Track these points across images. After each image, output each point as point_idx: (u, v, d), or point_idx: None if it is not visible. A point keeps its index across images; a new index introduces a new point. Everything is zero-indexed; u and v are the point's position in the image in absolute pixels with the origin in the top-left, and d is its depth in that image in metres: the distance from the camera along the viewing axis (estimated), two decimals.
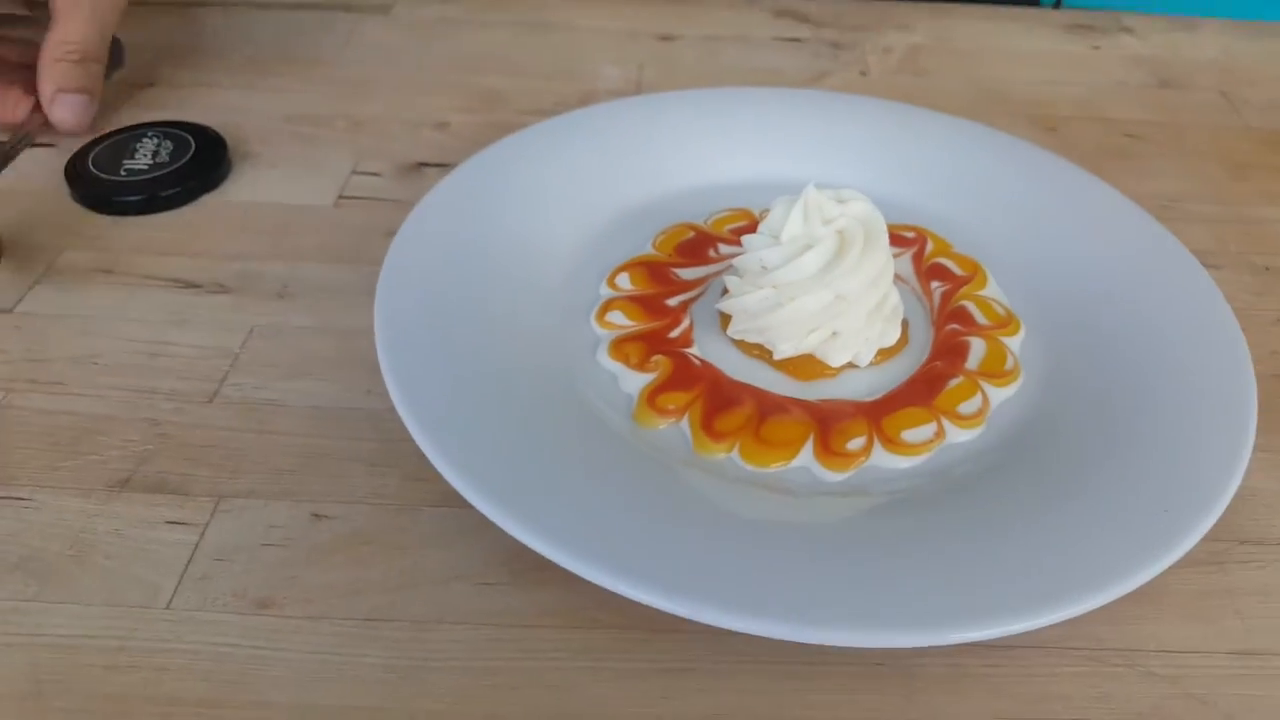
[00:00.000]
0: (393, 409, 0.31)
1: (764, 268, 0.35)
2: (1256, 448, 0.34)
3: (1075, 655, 0.28)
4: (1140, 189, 0.46)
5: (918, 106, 0.49)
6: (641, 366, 0.35)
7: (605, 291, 0.39)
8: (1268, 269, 0.43)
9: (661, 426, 0.33)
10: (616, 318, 0.37)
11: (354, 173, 0.47)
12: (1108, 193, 0.43)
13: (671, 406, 0.34)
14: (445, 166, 0.46)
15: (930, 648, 0.27)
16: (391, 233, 0.38)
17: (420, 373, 0.32)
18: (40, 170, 0.45)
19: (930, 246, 0.41)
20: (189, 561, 0.29)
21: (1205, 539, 0.30)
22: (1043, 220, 0.42)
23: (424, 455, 0.29)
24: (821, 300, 0.34)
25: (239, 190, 0.45)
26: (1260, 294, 0.42)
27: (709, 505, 0.31)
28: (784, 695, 0.27)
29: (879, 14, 0.62)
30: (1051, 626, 0.27)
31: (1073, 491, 0.30)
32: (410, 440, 0.30)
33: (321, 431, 0.34)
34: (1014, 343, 0.37)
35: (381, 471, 0.33)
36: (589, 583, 0.27)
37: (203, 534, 0.30)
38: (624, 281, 0.39)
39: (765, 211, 0.37)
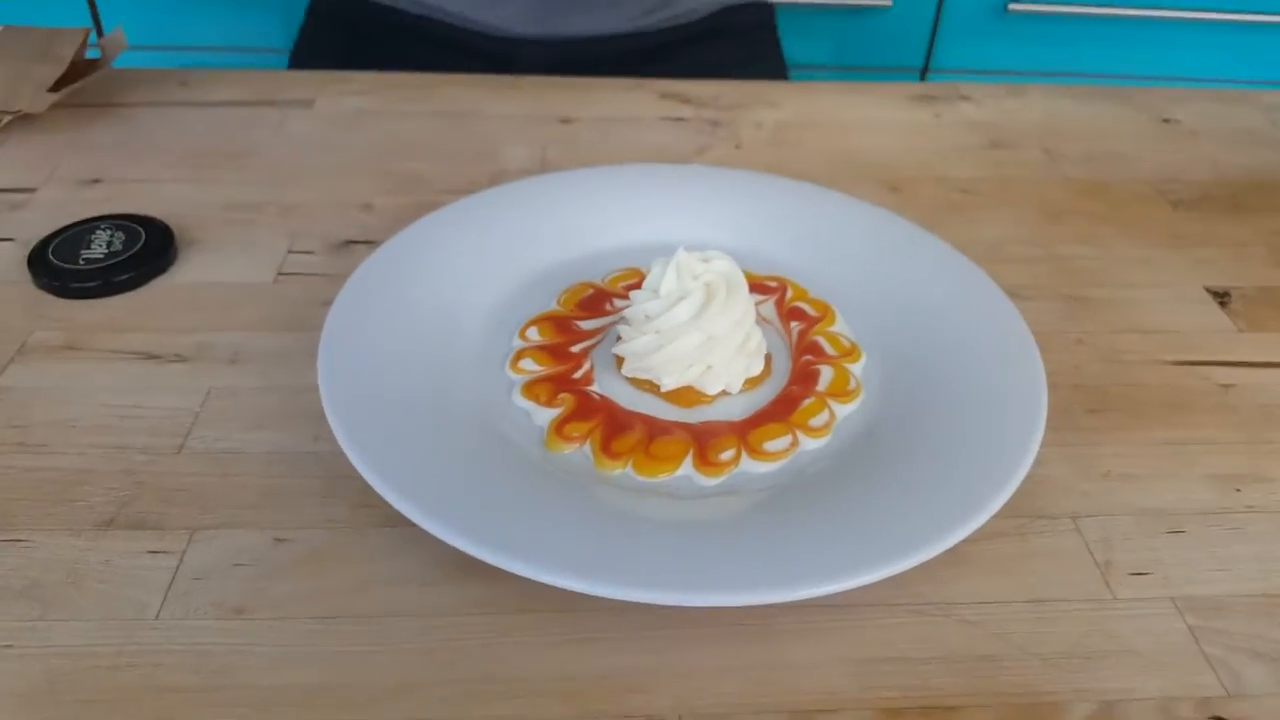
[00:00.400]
0: (338, 452, 0.37)
1: (647, 317, 0.42)
2: (1053, 442, 0.42)
3: (902, 610, 0.36)
4: (969, 236, 0.56)
5: (780, 176, 0.57)
6: (550, 403, 0.42)
7: (517, 343, 0.46)
8: (1073, 298, 0.52)
9: (568, 451, 0.40)
10: (528, 365, 0.44)
11: (290, 252, 0.53)
12: (935, 242, 0.51)
13: (576, 434, 0.40)
14: (372, 243, 0.53)
15: (784, 605, 0.34)
16: (327, 303, 0.45)
17: (361, 418, 0.38)
18: (3, 261, 0.50)
19: (790, 293, 0.49)
20: (171, 581, 0.35)
21: (1007, 515, 0.38)
22: (880, 267, 0.50)
23: (368, 487, 0.36)
24: (695, 341, 0.42)
25: (187, 273, 0.51)
26: (1066, 319, 0.51)
27: (608, 509, 0.37)
28: (671, 652, 0.34)
29: (751, 94, 0.71)
30: (882, 586, 0.34)
31: (898, 480, 0.38)
32: (355, 477, 0.36)
33: (277, 473, 0.40)
34: (856, 368, 0.45)
35: (332, 502, 0.39)
36: (512, 576, 0.33)
37: (181, 559, 0.36)
38: (533, 334, 0.46)
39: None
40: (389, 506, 0.35)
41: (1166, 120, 0.72)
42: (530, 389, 0.43)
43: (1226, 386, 0.47)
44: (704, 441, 0.40)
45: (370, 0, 0.83)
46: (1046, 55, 1.25)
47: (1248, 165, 0.66)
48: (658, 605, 0.33)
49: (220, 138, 0.63)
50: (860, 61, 1.26)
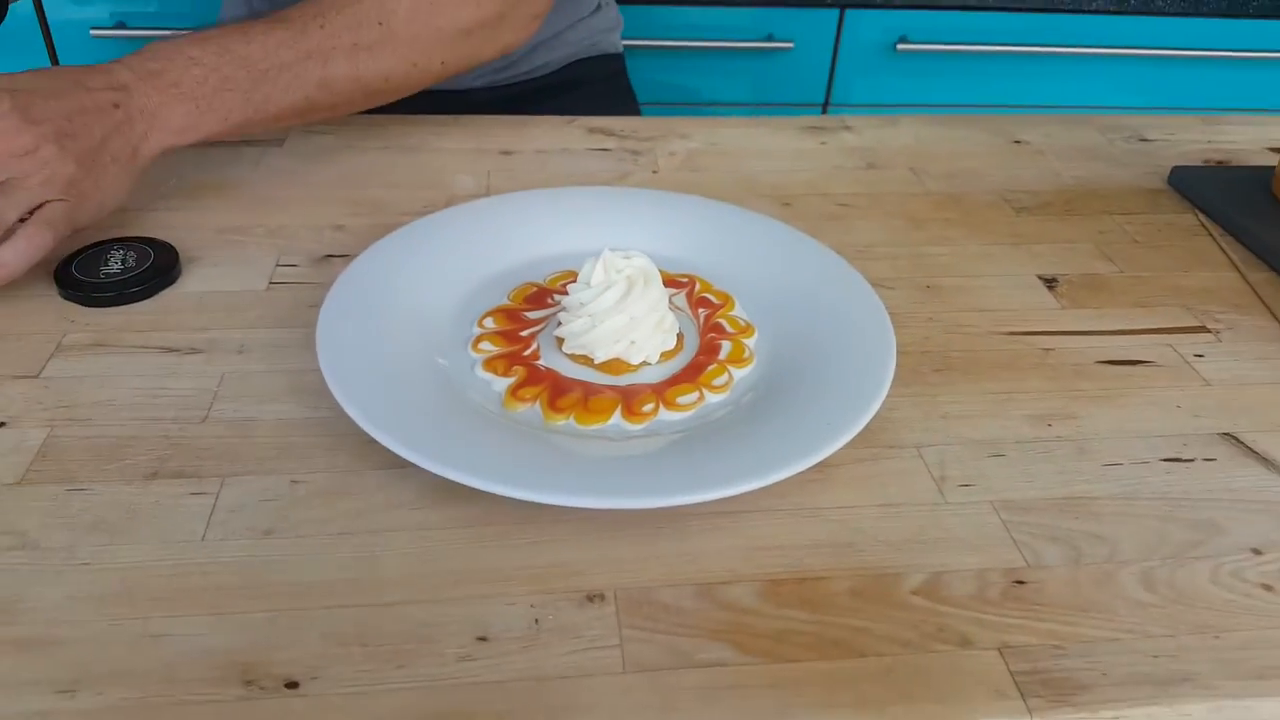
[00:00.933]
0: (339, 416, 0.47)
1: (581, 304, 0.53)
2: (903, 394, 0.54)
3: (782, 514, 0.46)
4: (845, 240, 0.67)
5: (691, 195, 0.68)
6: (506, 374, 0.52)
7: (476, 330, 0.56)
8: (928, 286, 0.64)
9: (521, 409, 0.50)
10: (486, 346, 0.54)
11: (278, 265, 0.63)
12: (815, 244, 0.63)
13: (528, 396, 0.51)
14: (348, 256, 0.63)
15: (692, 507, 0.44)
16: (315, 305, 0.55)
17: (356, 386, 0.48)
18: (34, 277, 0.59)
19: (698, 286, 0.60)
20: (211, 513, 0.44)
21: (865, 444, 0.49)
22: (770, 263, 0.62)
23: (364, 440, 0.46)
24: (620, 321, 0.53)
25: (192, 284, 0.61)
26: (921, 303, 0.63)
27: (556, 448, 0.48)
28: (607, 547, 0.44)
29: (666, 127, 0.83)
30: (767, 494, 0.45)
31: (779, 419, 0.49)
32: (353, 433, 0.46)
33: (288, 433, 0.49)
34: (750, 341, 0.56)
35: (336, 453, 0.48)
36: (482, 496, 0.43)
37: (217, 498, 0.45)
38: (489, 323, 0.56)
39: None
40: (383, 452, 0.45)
41: (1017, 141, 0.85)
42: (489, 364, 0.53)
43: (1047, 350, 0.59)
44: (630, 398, 0.51)
45: None
46: (926, 88, 1.40)
47: (1082, 176, 0.79)
48: (595, 510, 0.44)
49: (208, 172, 0.73)
50: (770, 99, 1.40)
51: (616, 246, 0.55)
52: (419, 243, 0.61)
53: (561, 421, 0.50)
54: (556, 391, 0.51)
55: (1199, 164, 0.83)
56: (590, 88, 0.99)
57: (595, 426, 0.50)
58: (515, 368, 0.53)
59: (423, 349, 0.53)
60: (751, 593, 0.42)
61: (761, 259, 0.62)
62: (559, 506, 0.43)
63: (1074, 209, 0.75)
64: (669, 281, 0.59)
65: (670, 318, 0.55)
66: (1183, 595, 0.43)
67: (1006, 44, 1.37)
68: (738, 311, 0.59)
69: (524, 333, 0.56)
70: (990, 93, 1.41)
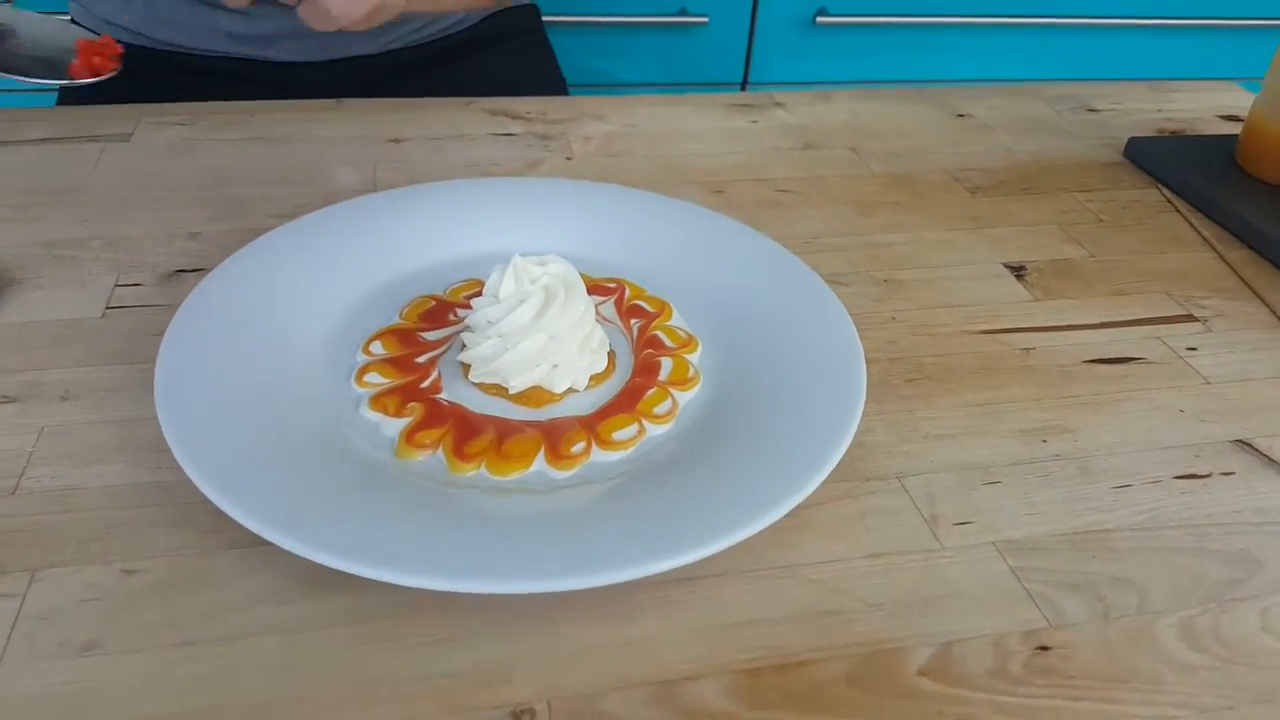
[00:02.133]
0: (182, 479, 0.37)
1: (489, 322, 0.44)
2: (875, 412, 0.46)
3: (751, 576, 0.38)
4: (789, 231, 0.59)
5: (611, 184, 0.59)
6: (399, 413, 0.42)
7: (361, 358, 0.46)
8: (886, 281, 0.56)
9: (420, 457, 0.41)
10: (373, 378, 0.44)
11: (117, 285, 0.51)
12: (758, 237, 0.54)
13: (427, 441, 0.41)
14: (202, 270, 0.52)
15: (640, 582, 0.36)
16: (159, 333, 0.44)
17: (203, 442, 0.38)
18: None
19: (628, 292, 0.51)
20: (13, 624, 0.34)
21: (840, 479, 0.41)
22: (710, 263, 0.53)
23: (215, 510, 0.36)
24: (538, 342, 0.43)
25: (10, 314, 0.49)
26: (881, 300, 0.55)
27: (464, 509, 0.38)
28: (535, 640, 0.35)
29: (578, 108, 0.73)
30: (730, 555, 0.36)
31: (738, 456, 0.40)
32: (201, 501, 0.36)
33: (120, 505, 0.39)
34: (694, 357, 0.47)
35: (179, 529, 0.38)
36: (371, 583, 0.33)
37: (23, 601, 0.34)
38: (377, 348, 0.46)
39: None
40: (239, 528, 0.35)
41: (961, 115, 0.78)
42: (378, 401, 0.43)
43: (1027, 350, 0.52)
44: (555, 437, 0.42)
45: (133, 43, 0.80)
46: (853, 65, 1.33)
47: (1035, 151, 0.73)
48: (518, 595, 0.34)
49: (39, 176, 0.61)
50: (684, 78, 1.31)
51: (529, 251, 0.46)
52: (289, 251, 0.51)
53: (471, 472, 0.40)
54: (464, 433, 0.42)
55: (1153, 134, 0.77)
56: (512, 42, 0.91)
57: (514, 475, 0.40)
58: (411, 405, 0.43)
59: (293, 386, 0.43)
60: (722, 689, 0.34)
61: (699, 257, 0.54)
62: (471, 594, 0.34)
63: (1031, 187, 0.68)
64: (594, 288, 0.50)
65: (599, 333, 0.46)
66: (1234, 652, 0.36)
67: (933, 15, 1.30)
68: (676, 321, 0.50)
69: (421, 359, 0.46)
70: (918, 67, 1.35)
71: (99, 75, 0.59)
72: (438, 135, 0.68)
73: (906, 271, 0.57)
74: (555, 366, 0.44)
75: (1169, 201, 0.67)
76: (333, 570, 0.34)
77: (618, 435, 0.42)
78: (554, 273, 0.44)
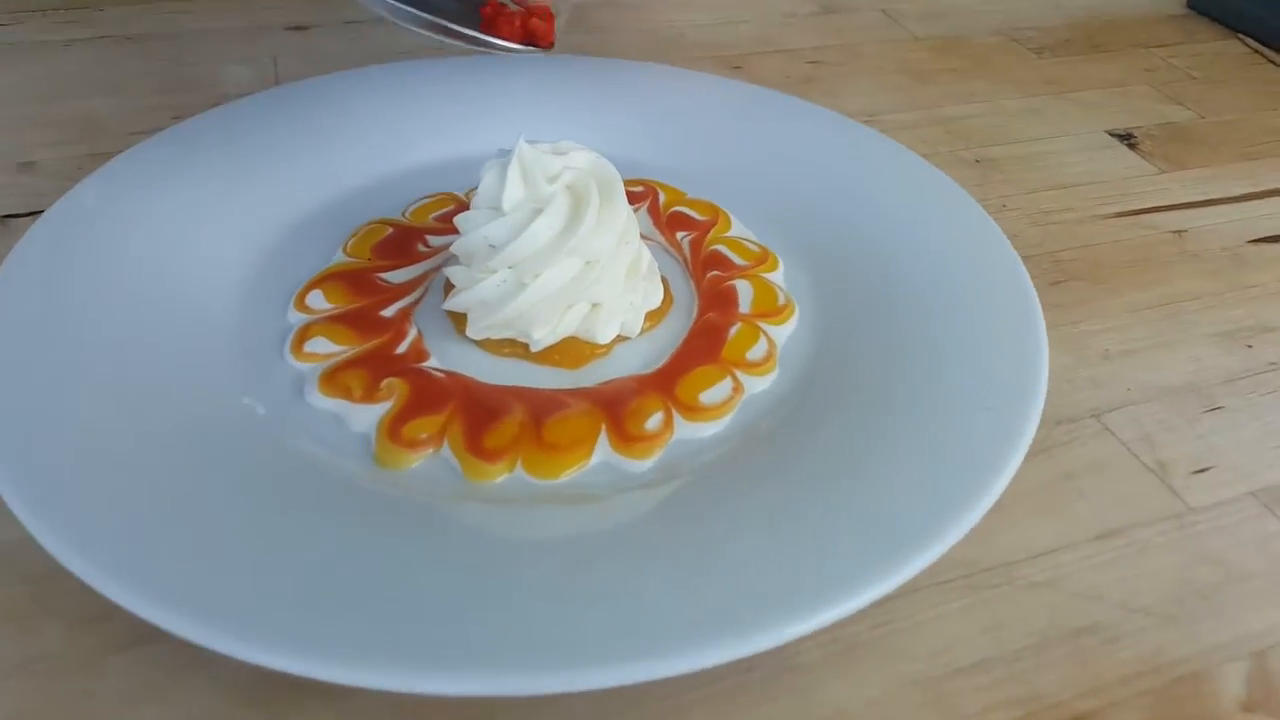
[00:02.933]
0: (24, 539, 0.22)
1: (491, 247, 0.29)
2: None
3: (943, 590, 0.25)
4: (836, 109, 0.45)
5: (602, 58, 0.44)
6: (370, 397, 0.28)
7: (295, 318, 0.31)
8: (978, 161, 0.43)
9: (416, 463, 0.26)
10: (319, 346, 0.29)
11: None
12: (821, 112, 0.41)
13: (423, 435, 0.27)
14: (38, 213, 0.35)
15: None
16: None
17: (55, 481, 0.23)
18: None
19: (663, 197, 0.37)
20: None
21: None
22: (765, 151, 0.39)
23: (89, 591, 0.20)
24: (569, 270, 0.29)
25: None
26: (980, 185, 0.42)
27: (494, 543, 0.24)
28: None
29: None
30: None
31: (888, 421, 0.27)
32: (63, 576, 0.21)
33: None
34: (777, 278, 0.33)
35: (36, 625, 0.23)
36: (364, 694, 0.19)
37: None
38: (317, 301, 0.31)
39: (473, 189, 0.30)
40: (130, 617, 0.20)
41: None
42: (333, 380, 0.28)
43: (1179, 233, 0.40)
44: (617, 409, 0.28)
45: None
46: None
47: (1088, 6, 0.60)
48: (636, 684, 0.20)
49: None
50: None
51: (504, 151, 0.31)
52: (163, 177, 0.35)
53: (501, 476, 0.26)
54: (477, 417, 0.27)
55: None
56: None
57: (569, 474, 0.26)
58: (387, 382, 0.28)
59: (191, 376, 0.28)
60: None
61: (746, 145, 0.39)
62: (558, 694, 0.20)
63: (1100, 45, 0.55)
64: None
65: (648, 252, 0.32)
66: None
67: None
68: (738, 230, 0.36)
69: (387, 311, 0.31)
70: None
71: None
72: (353, 18, 0.51)
73: (998, 148, 0.44)
74: (596, 306, 0.29)
75: (1257, 53, 0.56)
76: (297, 677, 0.19)
77: (706, 398, 0.28)
78: (579, 165, 0.30)
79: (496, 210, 0.29)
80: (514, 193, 0.29)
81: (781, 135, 0.39)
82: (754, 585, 0.21)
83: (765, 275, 0.33)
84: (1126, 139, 0.46)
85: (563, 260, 0.29)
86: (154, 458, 0.24)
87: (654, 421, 0.27)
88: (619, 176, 0.30)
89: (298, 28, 0.50)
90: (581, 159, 0.30)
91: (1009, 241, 0.33)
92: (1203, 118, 0.49)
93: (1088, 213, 0.40)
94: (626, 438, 0.27)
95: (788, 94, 0.42)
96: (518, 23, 0.38)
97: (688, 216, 0.36)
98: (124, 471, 0.24)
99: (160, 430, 0.25)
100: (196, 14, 0.51)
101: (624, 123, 0.40)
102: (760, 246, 0.34)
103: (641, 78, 0.42)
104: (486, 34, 0.37)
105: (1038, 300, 0.30)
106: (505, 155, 0.29)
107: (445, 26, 0.36)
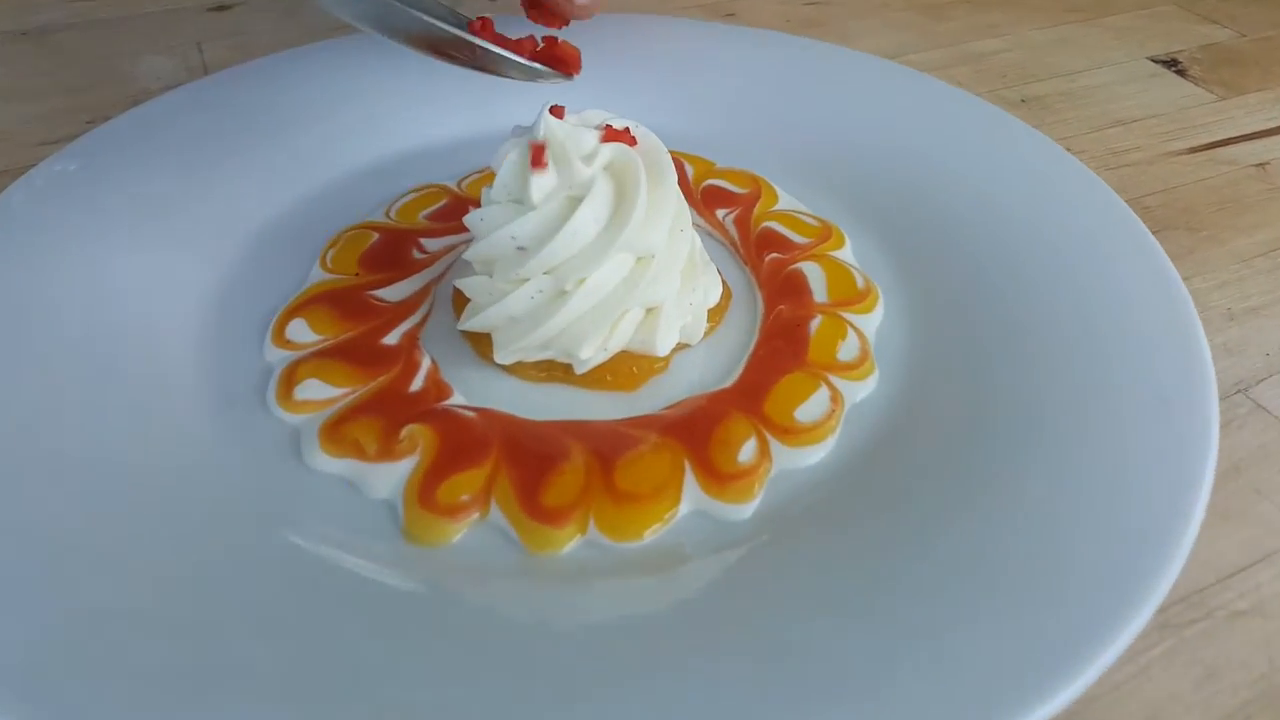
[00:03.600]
0: None
1: (520, 249, 0.23)
2: None
3: (1147, 632, 0.20)
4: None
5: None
6: (389, 452, 0.22)
7: (276, 356, 0.25)
8: (1024, 100, 0.38)
9: (459, 534, 0.20)
10: (313, 390, 0.23)
11: None
12: (853, 55, 0.35)
13: (465, 497, 0.21)
14: None
15: None
16: None
17: None
18: None
19: (690, 170, 0.31)
20: None
21: None
22: (797, 105, 0.33)
23: None
24: (619, 270, 0.23)
25: None
26: (1035, 127, 0.37)
27: (580, 641, 0.18)
28: None
29: None
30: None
31: (1031, 439, 0.22)
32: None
33: None
34: (847, 256, 0.28)
35: None
36: None
37: None
38: (300, 332, 0.25)
39: (472, 179, 0.24)
40: None
41: None
42: (337, 434, 0.22)
43: (1261, 165, 0.35)
44: (699, 440, 0.22)
45: None
46: None
47: None
48: None
49: None
50: None
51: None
52: (85, 192, 0.28)
53: (571, 540, 0.20)
54: (529, 466, 0.21)
55: None
56: None
57: (653, 531, 0.21)
58: (407, 431, 0.22)
59: (143, 441, 0.22)
60: None
61: (780, 99, 0.34)
62: None
63: None
64: None
65: (698, 238, 0.26)
66: None
67: None
68: (787, 203, 0.30)
69: (388, 338, 0.25)
70: None
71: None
72: None
73: (1040, 84, 0.40)
74: (652, 310, 0.24)
75: None
76: None
77: (803, 414, 0.23)
78: (623, 140, 0.24)
79: (522, 203, 0.23)
80: (544, 180, 0.23)
81: (814, 85, 0.34)
82: (924, 686, 0.16)
83: (833, 254, 0.28)
84: (1172, 65, 0.42)
85: (611, 257, 0.23)
86: (103, 575, 0.18)
87: (747, 451, 0.22)
88: (664, 147, 0.24)
89: (220, 8, 0.43)
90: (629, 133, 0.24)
91: (1118, 197, 0.28)
92: (1244, 35, 0.44)
93: (1157, 150, 0.36)
94: (718, 476, 0.21)
95: (803, 37, 0.37)
96: (537, 43, 0.28)
97: (725, 190, 0.30)
98: (61, 599, 0.18)
99: (111, 533, 0.19)
100: (94, 6, 0.43)
101: (628, 84, 0.34)
102: (819, 220, 0.29)
103: (640, 31, 0.36)
104: (505, 48, 0.27)
105: (1178, 277, 0.25)
106: (525, 132, 0.23)
107: (447, 35, 0.26)
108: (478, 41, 0.26)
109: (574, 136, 0.23)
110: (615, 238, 0.23)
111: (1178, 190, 0.34)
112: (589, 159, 0.23)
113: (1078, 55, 0.42)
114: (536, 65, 0.27)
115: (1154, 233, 0.31)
